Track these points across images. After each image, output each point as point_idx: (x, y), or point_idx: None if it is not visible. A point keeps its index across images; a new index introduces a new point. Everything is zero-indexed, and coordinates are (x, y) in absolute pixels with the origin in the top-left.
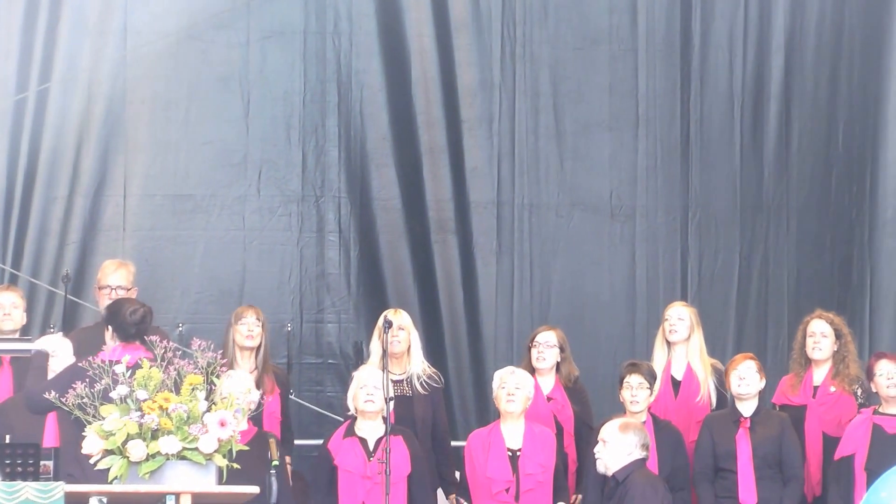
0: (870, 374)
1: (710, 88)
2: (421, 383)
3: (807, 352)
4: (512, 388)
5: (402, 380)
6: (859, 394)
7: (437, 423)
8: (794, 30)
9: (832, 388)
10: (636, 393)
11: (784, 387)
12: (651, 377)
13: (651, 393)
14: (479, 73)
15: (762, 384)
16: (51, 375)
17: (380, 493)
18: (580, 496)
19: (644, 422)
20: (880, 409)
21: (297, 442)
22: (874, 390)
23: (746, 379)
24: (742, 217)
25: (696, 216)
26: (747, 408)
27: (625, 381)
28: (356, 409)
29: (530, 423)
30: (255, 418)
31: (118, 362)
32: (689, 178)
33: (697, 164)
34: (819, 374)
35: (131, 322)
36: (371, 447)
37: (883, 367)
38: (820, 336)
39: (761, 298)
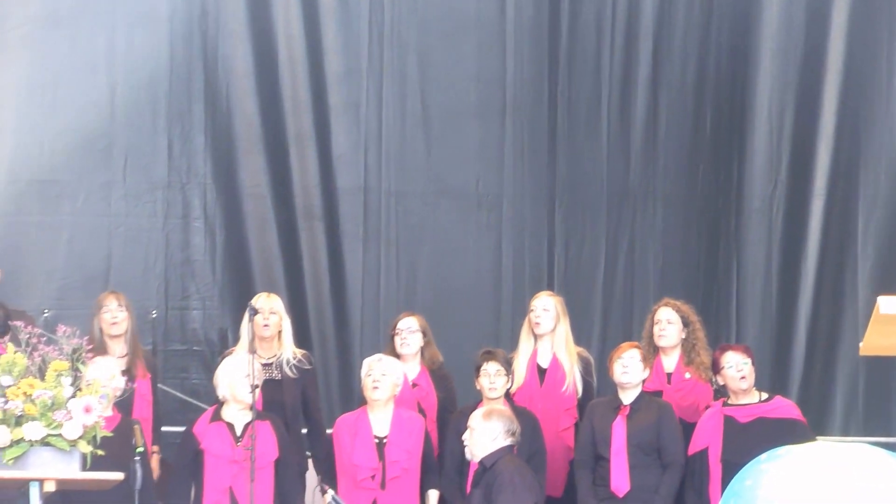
0: (716, 367)
1: (578, 75)
2: (290, 367)
3: (654, 339)
4: (378, 375)
5: (272, 363)
6: (713, 381)
7: (308, 405)
8: (662, 15)
9: (687, 375)
10: (494, 380)
11: None
12: (507, 364)
13: (508, 380)
14: (347, 59)
15: (646, 373)
16: None
17: (246, 478)
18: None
19: None
20: (729, 402)
21: (161, 429)
22: (722, 383)
23: (629, 367)
24: (609, 204)
25: (562, 204)
26: (629, 396)
27: (482, 368)
28: (229, 395)
29: (399, 409)
30: (125, 403)
31: None
32: (556, 166)
33: (564, 152)
34: (669, 362)
35: None
36: (238, 432)
37: (730, 359)
38: (666, 323)
39: (627, 286)
